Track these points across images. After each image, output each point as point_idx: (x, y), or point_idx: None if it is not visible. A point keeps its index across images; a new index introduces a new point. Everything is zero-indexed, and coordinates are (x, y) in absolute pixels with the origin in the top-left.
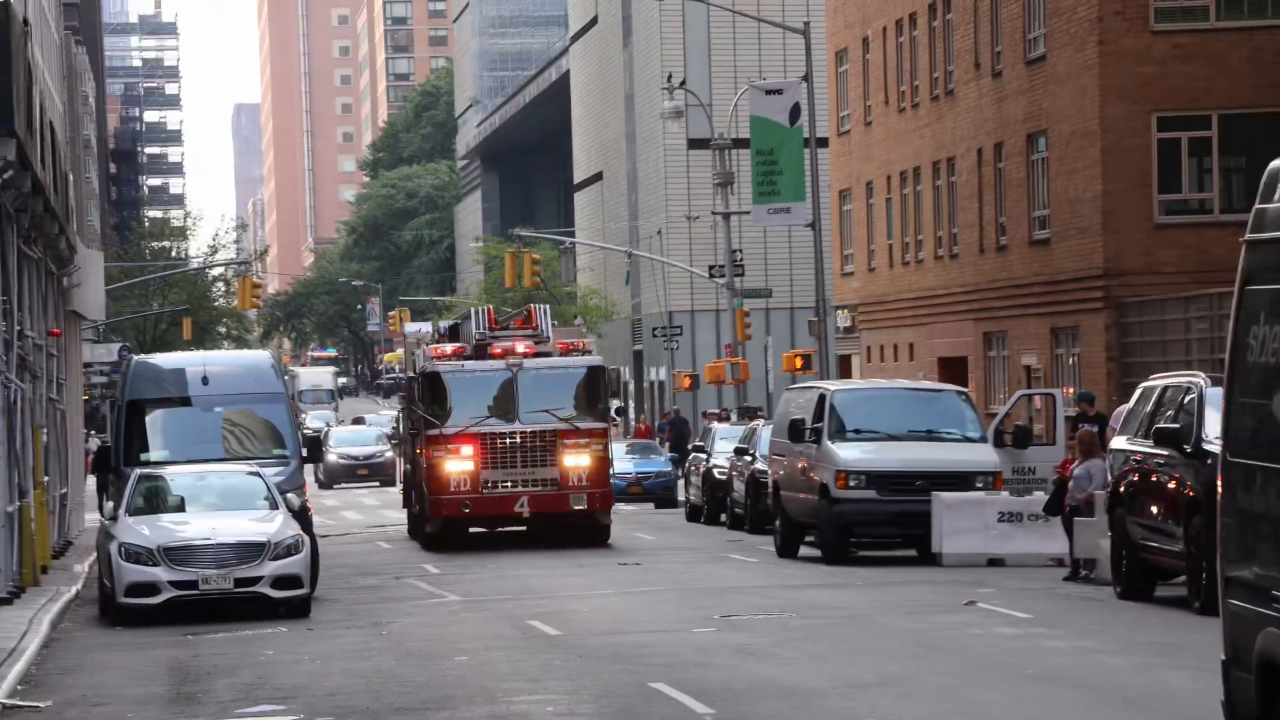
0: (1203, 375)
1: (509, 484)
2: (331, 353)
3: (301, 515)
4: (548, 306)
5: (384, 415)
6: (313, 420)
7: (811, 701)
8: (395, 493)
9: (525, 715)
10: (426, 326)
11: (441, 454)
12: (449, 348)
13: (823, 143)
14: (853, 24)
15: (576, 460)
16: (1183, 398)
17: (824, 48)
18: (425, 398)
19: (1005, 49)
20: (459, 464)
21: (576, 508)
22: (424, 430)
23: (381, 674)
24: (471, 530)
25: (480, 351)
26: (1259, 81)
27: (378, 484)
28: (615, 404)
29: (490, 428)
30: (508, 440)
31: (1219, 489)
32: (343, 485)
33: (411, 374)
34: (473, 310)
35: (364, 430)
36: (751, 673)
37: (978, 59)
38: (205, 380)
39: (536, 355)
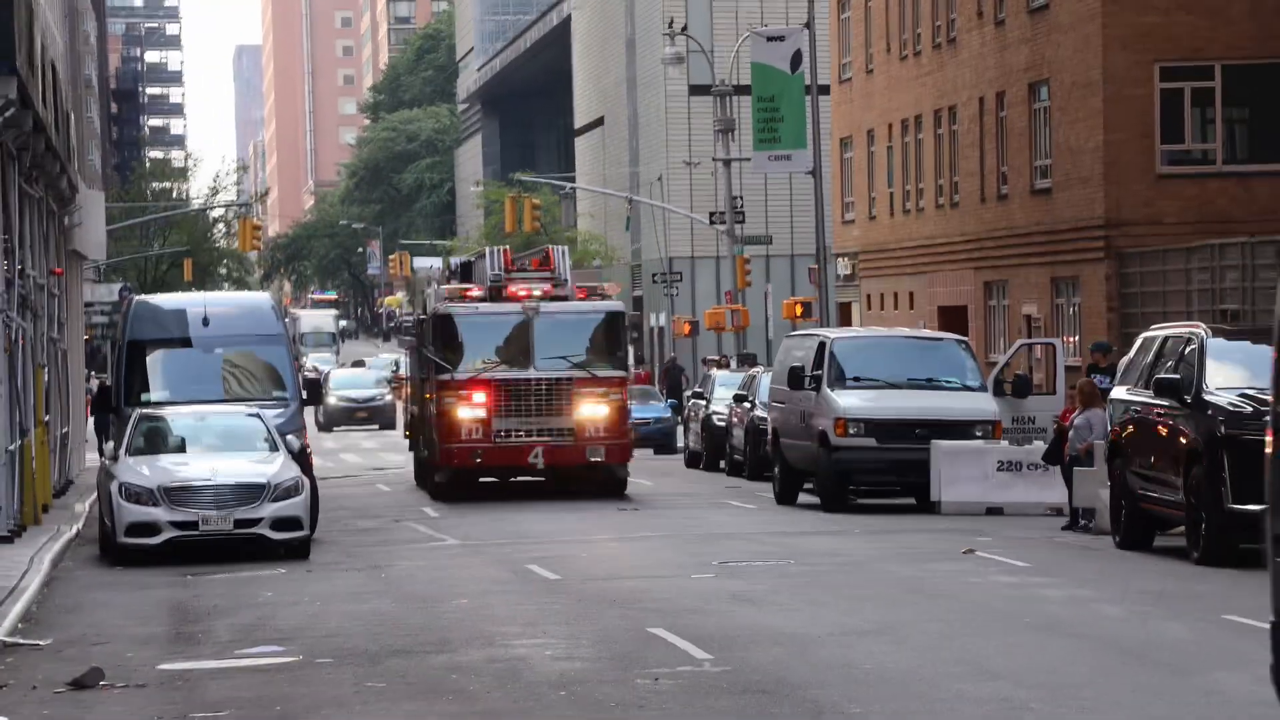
0: (1204, 326)
1: (523, 433)
2: (331, 295)
3: (301, 457)
4: (566, 248)
5: (384, 358)
6: (314, 363)
7: (808, 648)
8: (395, 436)
9: (524, 659)
10: (437, 263)
11: (452, 400)
12: (462, 288)
13: (824, 90)
14: None
15: (594, 410)
16: (1183, 348)
17: None
18: (437, 340)
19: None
20: (471, 411)
21: (593, 460)
22: (434, 375)
23: (380, 616)
24: (482, 480)
25: (495, 293)
26: (1261, 32)
27: (377, 427)
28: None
29: (504, 374)
30: (522, 388)
31: (1269, 444)
32: (342, 428)
33: (421, 314)
34: (487, 250)
35: (364, 373)
36: (749, 619)
37: (980, 7)
38: (206, 321)
39: (554, 299)
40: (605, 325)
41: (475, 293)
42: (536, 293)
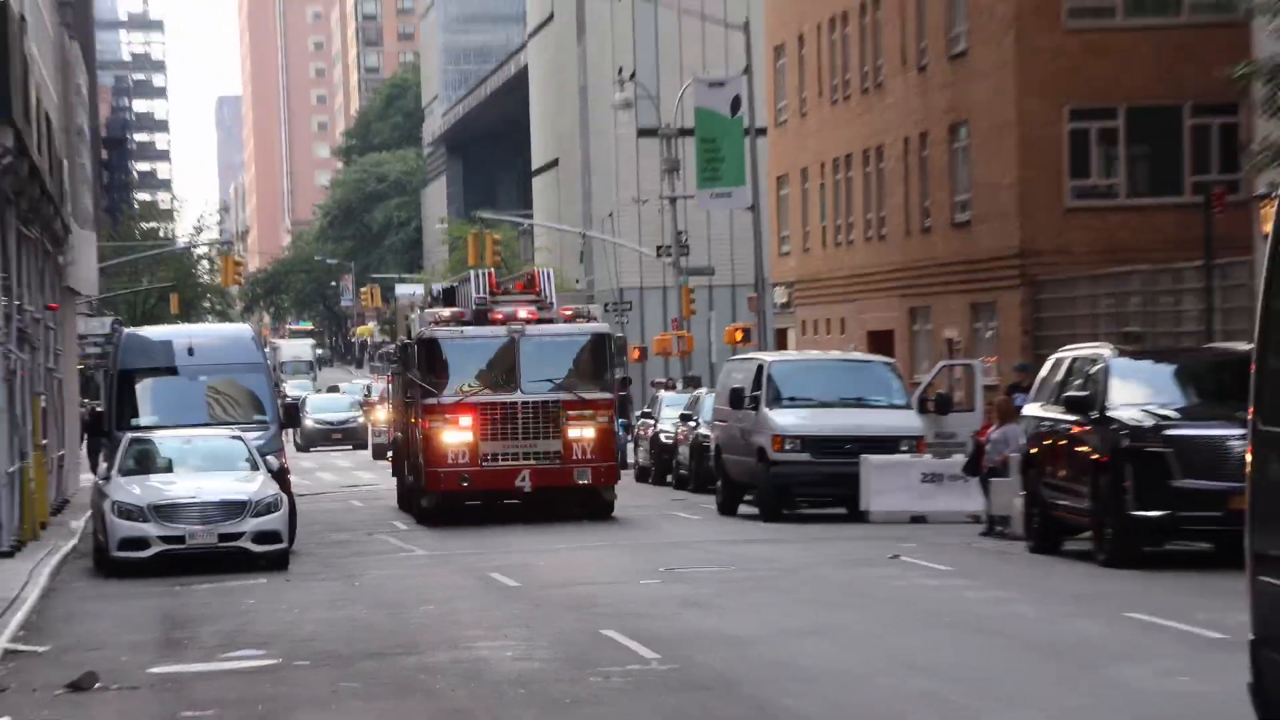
0: (1109, 347)
1: (510, 457)
2: (308, 326)
3: (280, 476)
4: (551, 270)
5: (357, 384)
6: (293, 389)
7: (749, 648)
8: (367, 455)
9: (486, 659)
10: (419, 290)
11: (439, 424)
12: (447, 312)
13: (761, 132)
14: (789, 21)
15: (581, 432)
16: (1090, 368)
17: (763, 44)
18: (422, 365)
19: (930, 45)
20: (457, 435)
21: (581, 482)
22: (420, 399)
23: (354, 622)
24: (469, 504)
25: (480, 317)
26: (1162, 76)
27: (350, 447)
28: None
29: (490, 397)
30: (509, 411)
31: (1248, 460)
32: (318, 448)
33: (404, 339)
34: (472, 273)
35: (338, 398)
36: (694, 621)
37: (904, 54)
38: (191, 351)
39: (539, 321)
40: (591, 347)
41: (461, 316)
42: (522, 315)
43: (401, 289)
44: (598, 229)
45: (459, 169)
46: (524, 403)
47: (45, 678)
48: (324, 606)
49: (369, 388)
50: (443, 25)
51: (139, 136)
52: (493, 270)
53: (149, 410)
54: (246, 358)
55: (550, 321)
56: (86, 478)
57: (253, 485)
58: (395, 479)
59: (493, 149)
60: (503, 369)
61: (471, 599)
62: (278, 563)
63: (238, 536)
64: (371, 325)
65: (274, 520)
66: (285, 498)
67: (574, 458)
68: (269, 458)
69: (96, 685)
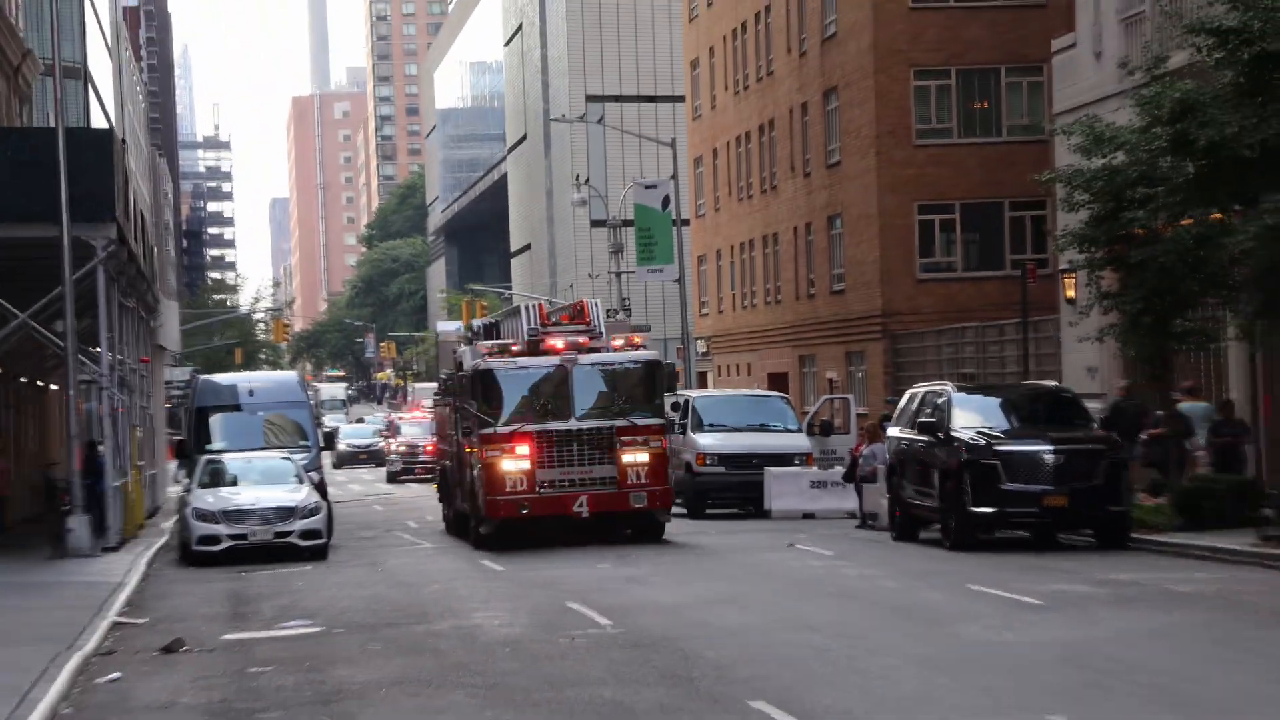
0: (950, 384)
1: (567, 483)
2: (340, 372)
3: (320, 487)
4: (599, 300)
5: (378, 416)
6: (329, 421)
7: (679, 613)
8: (382, 471)
9: (479, 626)
10: (456, 326)
11: (496, 453)
12: (500, 344)
13: (685, 222)
14: (705, 139)
15: (635, 457)
16: (936, 400)
17: (686, 156)
18: (477, 395)
19: (812, 157)
20: (515, 463)
21: (636, 506)
22: (477, 429)
23: (377, 598)
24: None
25: (533, 347)
26: (987, 180)
27: (373, 465)
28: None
29: (546, 425)
30: (564, 438)
31: None
32: (349, 466)
33: (449, 372)
34: (522, 305)
35: (364, 427)
36: (637, 595)
37: (793, 164)
38: (251, 393)
39: (590, 350)
40: (643, 374)
41: (514, 348)
42: (574, 344)
43: (442, 325)
44: (561, 297)
45: (455, 252)
46: (579, 430)
47: (144, 643)
48: (354, 586)
49: (388, 421)
50: (442, 143)
51: (211, 229)
52: (542, 302)
53: (219, 438)
54: (294, 397)
55: (600, 350)
56: (172, 490)
57: (299, 495)
58: (441, 505)
59: (480, 237)
60: (557, 397)
61: (467, 580)
62: (319, 554)
63: (288, 534)
64: (389, 371)
65: (316, 521)
66: (324, 504)
67: (629, 483)
68: (311, 474)
69: (183, 648)
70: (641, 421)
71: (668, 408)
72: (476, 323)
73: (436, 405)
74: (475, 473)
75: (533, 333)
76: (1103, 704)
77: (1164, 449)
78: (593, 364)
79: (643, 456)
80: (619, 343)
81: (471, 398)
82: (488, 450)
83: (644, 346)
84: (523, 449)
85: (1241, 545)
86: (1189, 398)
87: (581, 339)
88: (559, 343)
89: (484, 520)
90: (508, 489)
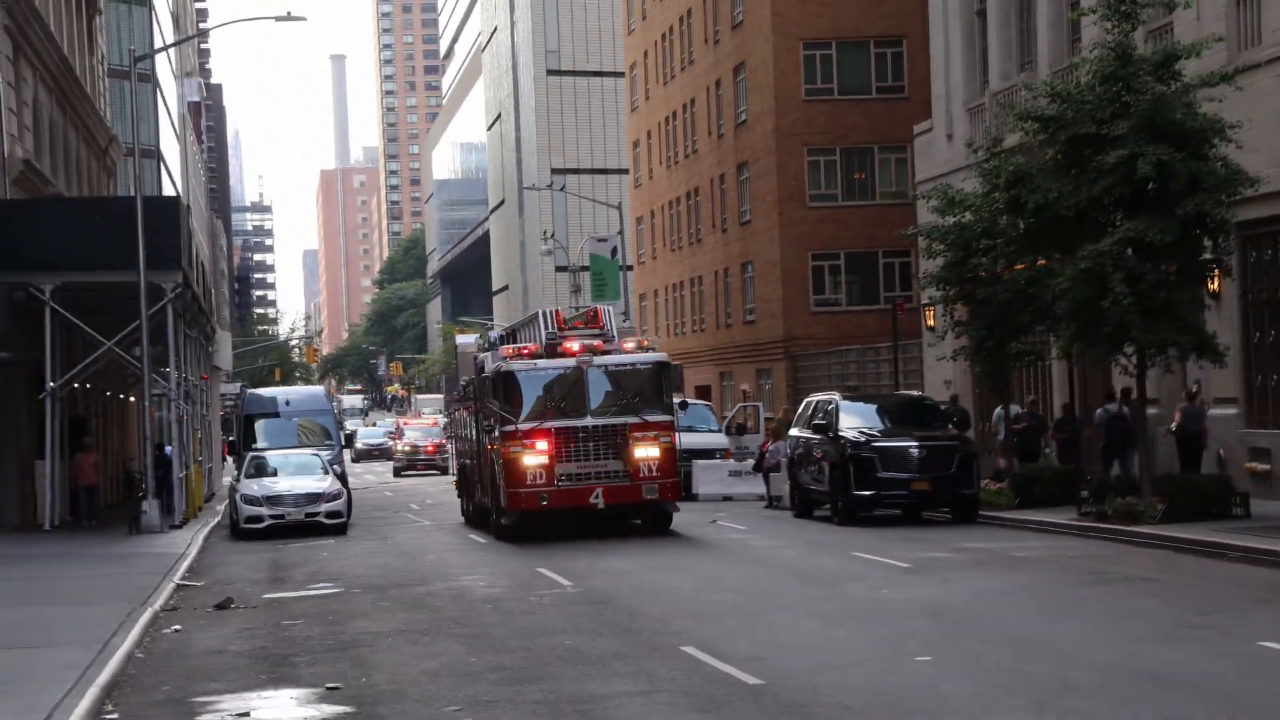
0: (838, 394)
1: (583, 477)
2: (358, 387)
3: (341, 478)
4: (611, 307)
5: (388, 421)
6: (350, 425)
7: (625, 575)
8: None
9: (467, 587)
10: (474, 339)
11: (517, 449)
12: (520, 347)
13: (629, 267)
14: (645, 202)
15: (646, 452)
16: (827, 406)
17: (630, 216)
18: (499, 395)
19: (729, 216)
20: (534, 458)
21: (649, 498)
22: (499, 426)
23: (385, 565)
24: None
25: (551, 350)
26: (866, 234)
27: (384, 460)
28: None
29: (563, 422)
30: (580, 434)
31: None
32: (365, 461)
33: (469, 377)
34: (539, 312)
35: (376, 430)
36: (593, 562)
37: (714, 222)
38: (287, 403)
39: (604, 352)
40: (653, 374)
41: (533, 351)
42: (588, 347)
43: (461, 338)
44: None
45: (448, 291)
46: (594, 426)
47: (201, 601)
48: (368, 556)
49: (396, 424)
50: (438, 207)
51: (256, 275)
52: (559, 309)
53: (262, 438)
54: (321, 406)
55: (613, 352)
56: (224, 481)
57: (325, 483)
58: (460, 499)
59: (469, 280)
60: (573, 396)
61: (457, 551)
62: (340, 530)
63: (316, 514)
64: (396, 385)
65: (338, 505)
66: (345, 491)
67: (641, 475)
68: (335, 466)
69: (232, 605)
70: (652, 418)
71: (676, 405)
72: (493, 333)
73: (455, 408)
74: (497, 467)
75: (550, 336)
76: (960, 648)
77: (1025, 443)
78: (606, 365)
79: (654, 451)
80: (630, 345)
81: (494, 398)
82: (509, 446)
83: (653, 349)
84: (542, 444)
85: (1065, 520)
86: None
87: (595, 342)
88: (575, 346)
89: (505, 512)
90: (528, 482)
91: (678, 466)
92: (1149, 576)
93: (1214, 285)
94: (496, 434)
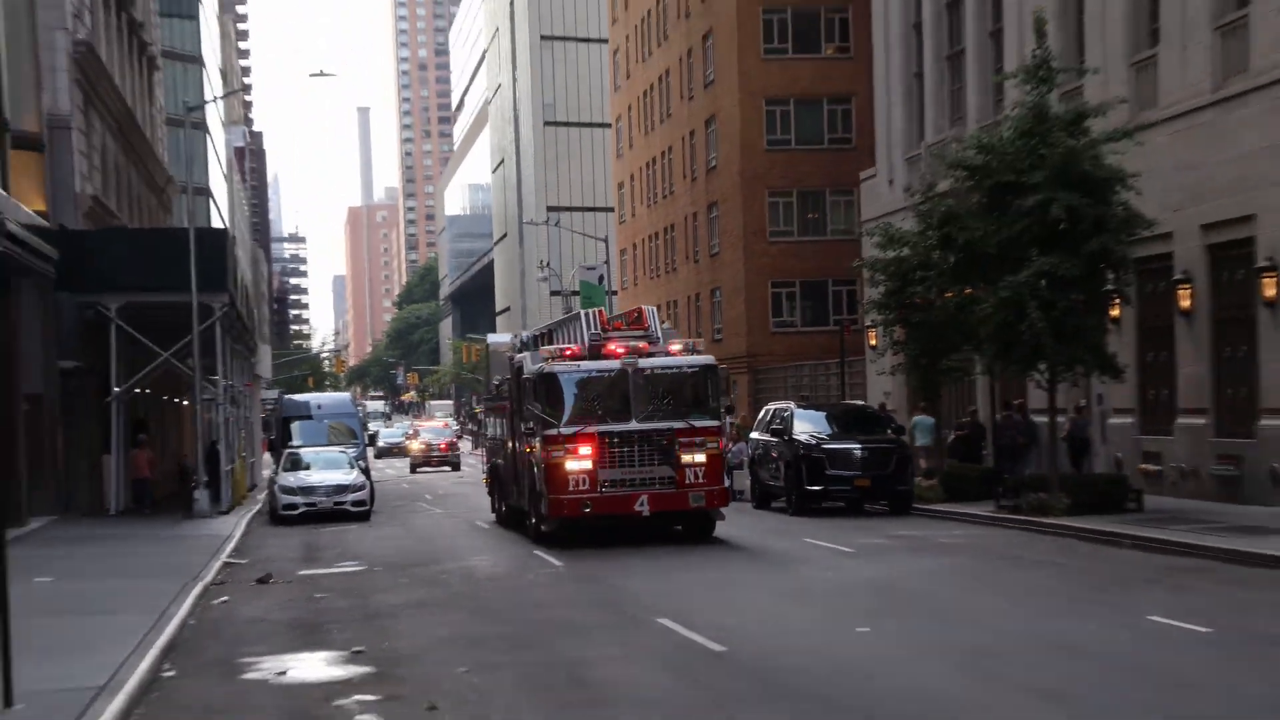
0: (793, 403)
1: (628, 483)
2: (381, 394)
3: (365, 471)
4: (655, 308)
5: (405, 423)
6: (373, 427)
7: (609, 559)
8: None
9: (473, 567)
10: (508, 338)
11: (559, 453)
12: (562, 348)
13: (614, 292)
14: (629, 236)
15: (693, 458)
16: (783, 413)
17: (615, 247)
18: (541, 398)
19: (700, 249)
20: (578, 463)
21: (695, 506)
22: (541, 430)
23: (403, 547)
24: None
25: (594, 351)
26: (818, 265)
27: (403, 457)
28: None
29: (607, 426)
30: (625, 439)
31: None
32: (385, 457)
33: (502, 377)
34: (582, 313)
35: (395, 430)
36: (583, 544)
37: (688, 253)
38: (319, 407)
39: (649, 354)
40: (700, 377)
41: (576, 351)
42: (634, 349)
43: (493, 338)
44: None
45: (458, 312)
46: (639, 431)
47: (245, 576)
48: (389, 539)
49: (412, 426)
50: (449, 239)
51: (292, 296)
52: (602, 309)
53: (297, 437)
54: (348, 410)
55: (658, 354)
56: (265, 473)
57: (351, 476)
58: (490, 497)
59: (475, 302)
60: (618, 400)
61: (465, 536)
62: (364, 517)
63: (343, 503)
64: (412, 393)
65: (363, 495)
66: (368, 483)
67: (687, 483)
68: (360, 462)
69: (271, 580)
70: (699, 424)
71: (723, 409)
72: (525, 334)
73: (487, 409)
74: (537, 472)
75: (594, 337)
76: (895, 619)
77: (967, 447)
78: (652, 368)
79: (700, 457)
80: (677, 347)
81: (534, 400)
82: (551, 450)
83: (700, 351)
84: (585, 449)
85: (985, 512)
86: (921, 413)
87: (640, 344)
88: (619, 347)
89: (545, 519)
90: (571, 488)
91: (724, 473)
92: (1054, 560)
93: (1115, 312)
94: (537, 437)
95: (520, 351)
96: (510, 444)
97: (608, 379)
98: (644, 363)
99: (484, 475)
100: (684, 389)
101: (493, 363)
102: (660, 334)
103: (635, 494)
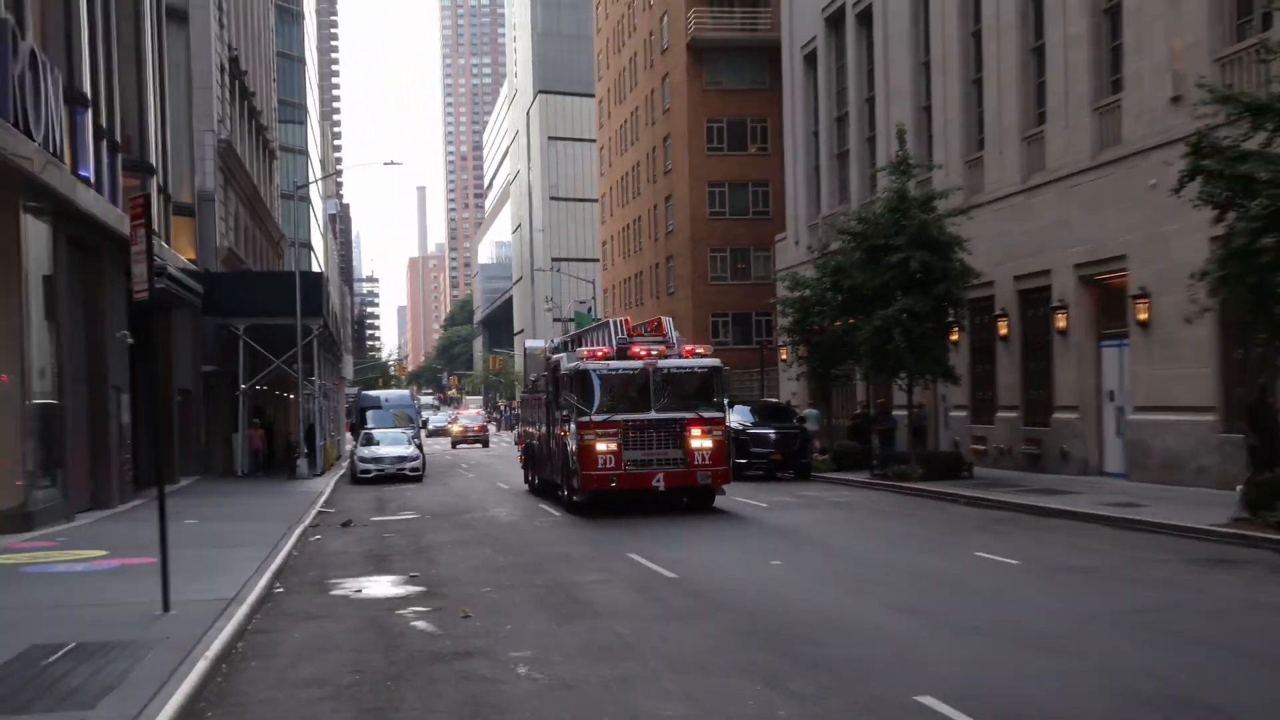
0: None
1: (647, 462)
2: (430, 391)
3: (420, 447)
4: (672, 319)
5: (447, 412)
6: (425, 415)
7: (593, 511)
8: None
9: (495, 515)
10: (541, 343)
11: (591, 437)
12: (594, 350)
13: (599, 320)
14: (611, 280)
15: (701, 443)
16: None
17: (600, 288)
18: (576, 390)
19: (660, 290)
20: (606, 445)
21: (703, 483)
22: (575, 417)
23: (444, 500)
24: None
25: (621, 353)
26: (744, 302)
27: (445, 436)
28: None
29: (631, 415)
30: (645, 426)
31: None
32: (434, 437)
33: (538, 374)
34: (610, 321)
35: (441, 416)
36: (574, 503)
37: (652, 292)
38: (386, 400)
39: (666, 357)
40: (708, 376)
41: (605, 353)
42: (654, 352)
43: (530, 343)
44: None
45: (487, 333)
46: (657, 420)
47: (332, 521)
48: (436, 495)
49: (454, 414)
50: (482, 281)
51: (368, 320)
52: (628, 318)
53: (370, 422)
54: (407, 403)
55: (674, 357)
56: (348, 447)
57: (410, 450)
58: (524, 471)
59: (500, 326)
60: (639, 393)
61: (491, 494)
62: (418, 480)
63: (404, 469)
64: (453, 390)
65: (417, 464)
66: (422, 455)
67: (695, 463)
68: (415, 440)
69: (351, 524)
70: (706, 415)
71: (725, 403)
72: (556, 339)
73: (523, 400)
74: (570, 451)
75: (622, 342)
76: (799, 557)
77: (859, 433)
78: (669, 368)
79: (707, 443)
80: (689, 351)
81: (571, 392)
82: (584, 434)
83: (708, 355)
84: (612, 434)
85: (862, 479)
86: (810, 408)
87: (659, 348)
88: (641, 350)
89: (578, 491)
90: (600, 466)
91: (727, 456)
92: (912, 513)
93: (954, 336)
94: (572, 423)
95: (556, 353)
96: (544, 428)
97: (632, 376)
98: (662, 363)
99: (519, 454)
100: (694, 386)
101: (528, 363)
102: (675, 340)
103: (653, 472)
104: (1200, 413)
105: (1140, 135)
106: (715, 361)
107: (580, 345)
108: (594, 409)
